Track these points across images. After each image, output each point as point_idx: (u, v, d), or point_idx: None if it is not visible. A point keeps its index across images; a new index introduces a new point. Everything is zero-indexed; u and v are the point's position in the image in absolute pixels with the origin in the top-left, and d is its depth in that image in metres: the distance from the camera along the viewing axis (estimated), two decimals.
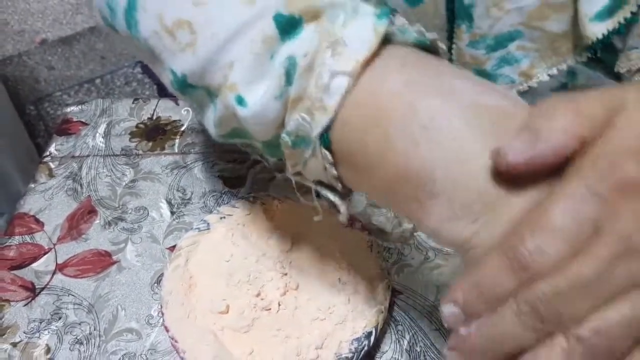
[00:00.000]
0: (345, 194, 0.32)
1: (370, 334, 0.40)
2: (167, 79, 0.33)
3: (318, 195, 0.32)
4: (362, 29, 0.27)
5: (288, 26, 0.29)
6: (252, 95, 0.29)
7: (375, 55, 0.27)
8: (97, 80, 1.86)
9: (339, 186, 0.31)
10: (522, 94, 0.46)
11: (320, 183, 0.32)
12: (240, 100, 0.29)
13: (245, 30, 0.29)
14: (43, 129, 1.71)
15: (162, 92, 1.72)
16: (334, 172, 0.30)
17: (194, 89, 0.32)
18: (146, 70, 1.83)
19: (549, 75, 0.45)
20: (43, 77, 1.85)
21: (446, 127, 0.25)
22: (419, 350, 0.43)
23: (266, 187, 0.54)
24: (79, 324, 0.45)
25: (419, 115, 0.26)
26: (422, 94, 0.26)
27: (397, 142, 0.26)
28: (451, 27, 0.45)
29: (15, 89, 1.77)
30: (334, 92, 0.27)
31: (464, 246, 0.26)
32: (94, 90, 1.82)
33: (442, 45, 0.30)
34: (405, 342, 0.43)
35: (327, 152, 0.29)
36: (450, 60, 0.46)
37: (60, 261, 0.49)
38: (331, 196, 0.32)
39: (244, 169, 0.55)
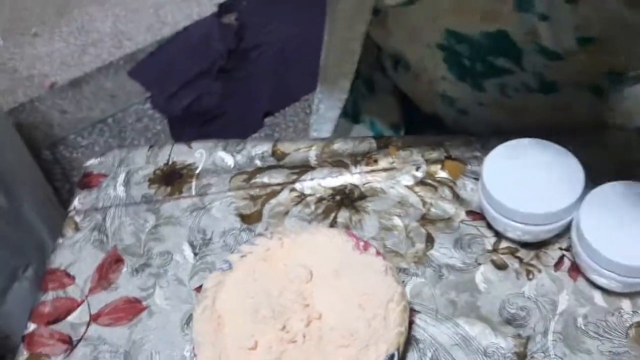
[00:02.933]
0: None
1: (392, 356, 0.42)
2: None
3: None
4: None
5: None
6: None
7: None
8: (109, 120, 1.91)
9: None
10: None
11: None
12: None
13: None
14: (60, 172, 1.76)
15: (174, 124, 1.76)
16: None
17: None
18: (156, 105, 1.87)
19: None
20: (56, 122, 1.90)
21: None
22: None
23: (281, 220, 0.56)
24: None
25: None
26: None
27: None
28: None
29: (30, 135, 1.82)
30: None
31: None
32: (106, 130, 1.87)
33: None
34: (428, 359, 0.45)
35: None
36: None
37: (93, 312, 0.51)
38: None
39: (259, 205, 0.57)
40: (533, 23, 0.48)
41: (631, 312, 0.45)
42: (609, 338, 0.44)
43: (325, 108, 0.66)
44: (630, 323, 0.45)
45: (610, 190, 0.46)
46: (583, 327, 0.45)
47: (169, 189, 0.60)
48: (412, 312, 0.48)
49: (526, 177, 0.48)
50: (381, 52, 0.66)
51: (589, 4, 0.45)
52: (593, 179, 0.48)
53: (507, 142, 0.50)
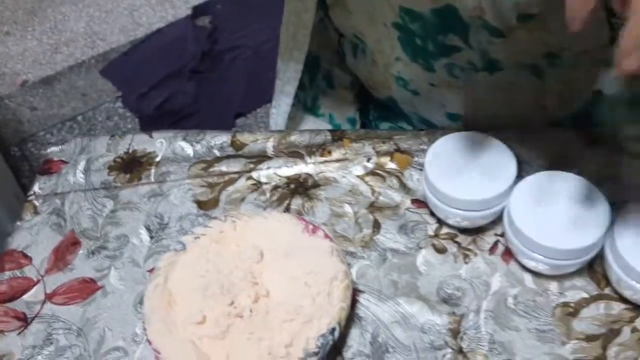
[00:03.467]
0: None
1: (334, 329, 0.45)
2: None
3: None
4: None
5: None
6: None
7: None
8: (79, 117, 1.91)
9: None
10: None
11: None
12: None
13: None
14: (28, 168, 1.75)
15: (145, 123, 1.77)
16: None
17: None
18: (127, 104, 1.88)
19: None
20: (26, 118, 1.89)
21: None
22: (380, 341, 0.47)
23: (238, 206, 0.58)
24: (70, 347, 0.49)
25: None
26: None
27: None
28: None
29: None
30: None
31: None
32: (76, 127, 1.87)
33: None
34: (369, 335, 0.48)
35: None
36: None
37: (49, 291, 0.53)
38: None
39: (217, 192, 0.59)
40: None
41: (558, 293, 0.48)
42: (536, 317, 0.47)
43: (282, 84, 0.69)
44: (557, 303, 0.48)
45: (538, 180, 0.49)
46: (513, 307, 0.48)
47: (128, 176, 0.62)
48: (357, 292, 0.50)
49: (464, 167, 0.51)
50: (343, 39, 0.69)
51: None
52: (527, 170, 0.51)
53: (448, 135, 0.53)
